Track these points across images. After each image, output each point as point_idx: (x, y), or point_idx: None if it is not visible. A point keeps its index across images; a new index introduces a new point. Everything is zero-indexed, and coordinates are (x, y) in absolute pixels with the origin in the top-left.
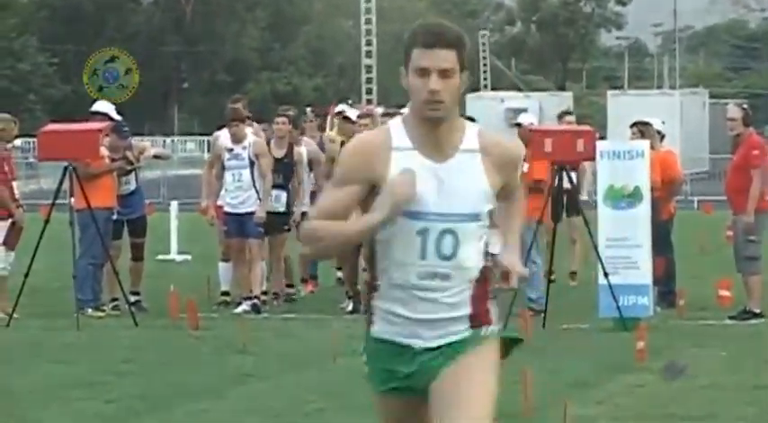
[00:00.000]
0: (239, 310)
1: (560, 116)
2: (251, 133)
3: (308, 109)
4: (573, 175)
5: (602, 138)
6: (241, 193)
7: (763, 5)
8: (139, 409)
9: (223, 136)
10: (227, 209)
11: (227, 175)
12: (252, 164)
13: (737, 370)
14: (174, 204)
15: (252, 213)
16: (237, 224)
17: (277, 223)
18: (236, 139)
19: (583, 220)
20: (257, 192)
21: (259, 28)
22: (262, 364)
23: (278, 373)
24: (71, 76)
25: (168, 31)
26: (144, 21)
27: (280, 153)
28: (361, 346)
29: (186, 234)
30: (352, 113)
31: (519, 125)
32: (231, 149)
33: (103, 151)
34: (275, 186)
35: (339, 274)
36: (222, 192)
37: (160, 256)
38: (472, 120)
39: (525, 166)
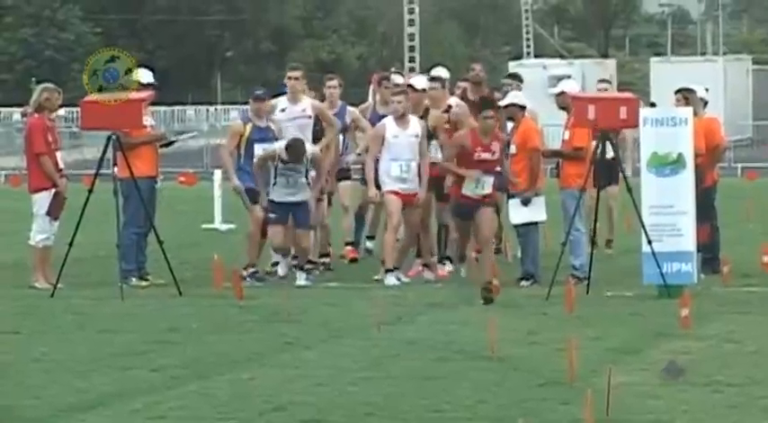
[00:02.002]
0: (302, 281)
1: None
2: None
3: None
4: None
5: (653, 105)
6: (294, 190)
7: None
8: (184, 378)
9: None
10: (274, 199)
11: (281, 179)
12: (307, 172)
13: None
14: (218, 173)
15: (301, 202)
16: (286, 213)
17: None
18: None
19: (617, 189)
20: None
21: None
22: (306, 332)
23: (322, 342)
24: (115, 46)
25: (211, 1)
26: None
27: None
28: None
29: (230, 203)
30: (419, 82)
31: (560, 94)
32: (286, 161)
33: (146, 121)
34: None
35: (369, 244)
36: (271, 188)
37: (204, 226)
38: (519, 78)
39: (566, 134)
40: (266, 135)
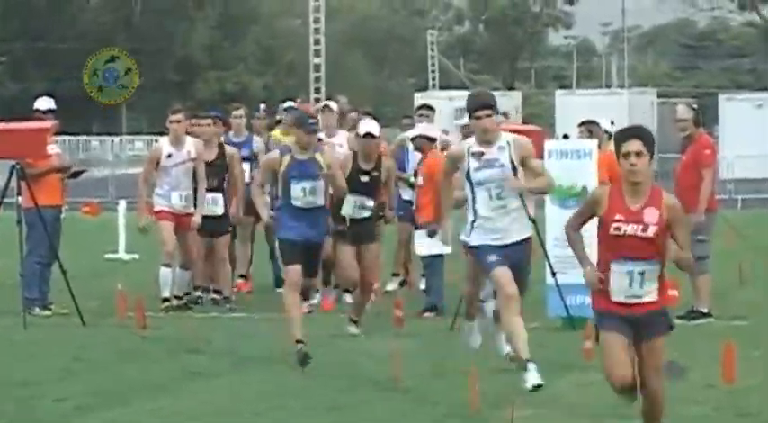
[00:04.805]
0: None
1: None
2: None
3: (262, 106)
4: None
5: (566, 137)
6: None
7: (711, 5)
8: (90, 407)
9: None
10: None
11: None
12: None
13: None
14: (123, 203)
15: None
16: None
17: (218, 226)
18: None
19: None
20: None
21: (208, 27)
22: (212, 362)
23: (228, 372)
24: (21, 75)
25: (117, 30)
26: (93, 19)
27: (210, 156)
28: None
29: (134, 233)
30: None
31: (465, 126)
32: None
33: (51, 149)
34: (211, 190)
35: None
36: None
37: (108, 255)
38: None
39: None
40: (308, 169)
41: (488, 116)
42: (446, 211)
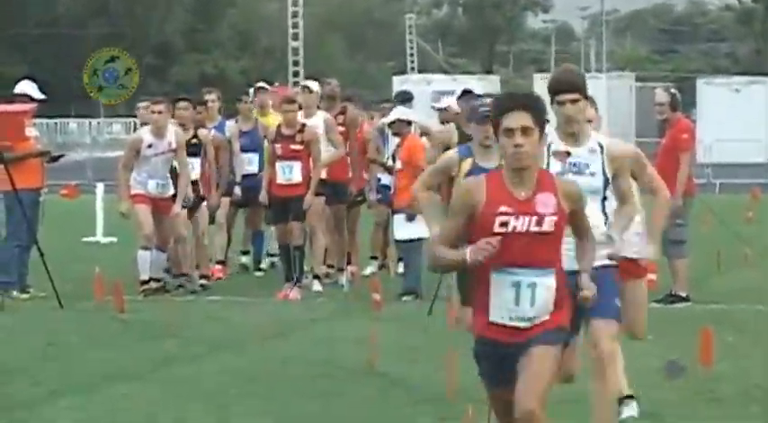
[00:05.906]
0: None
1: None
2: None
3: (251, 90)
4: None
5: (547, 121)
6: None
7: None
8: (64, 392)
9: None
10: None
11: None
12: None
13: (662, 354)
14: (101, 186)
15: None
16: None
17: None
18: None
19: None
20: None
21: (185, 10)
22: (188, 347)
23: (204, 357)
24: None
25: (93, 14)
26: (69, 3)
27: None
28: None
29: (112, 216)
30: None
31: (443, 109)
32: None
33: (29, 132)
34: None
35: (243, 259)
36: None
37: (86, 238)
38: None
39: None
40: None
41: (574, 101)
42: None
